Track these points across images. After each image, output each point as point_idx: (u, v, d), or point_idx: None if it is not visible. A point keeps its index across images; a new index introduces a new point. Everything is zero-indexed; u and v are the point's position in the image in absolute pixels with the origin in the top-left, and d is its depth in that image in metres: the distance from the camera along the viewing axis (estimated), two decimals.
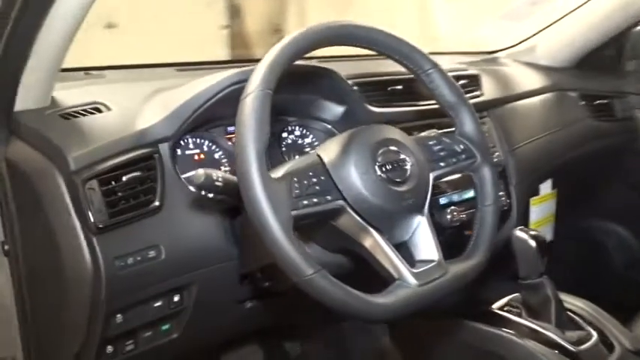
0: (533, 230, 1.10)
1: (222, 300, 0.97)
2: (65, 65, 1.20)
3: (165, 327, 0.93)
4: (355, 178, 0.77)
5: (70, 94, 0.98)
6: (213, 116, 0.99)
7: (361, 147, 0.80)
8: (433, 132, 0.99)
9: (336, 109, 1.10)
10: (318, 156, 0.80)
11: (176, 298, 0.91)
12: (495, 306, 1.17)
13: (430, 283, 0.78)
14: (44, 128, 0.84)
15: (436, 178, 0.87)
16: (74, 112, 0.91)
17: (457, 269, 0.83)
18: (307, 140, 1.13)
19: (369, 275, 0.80)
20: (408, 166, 0.82)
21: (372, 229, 0.78)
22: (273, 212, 0.69)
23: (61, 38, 0.83)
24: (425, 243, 0.83)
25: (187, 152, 1.00)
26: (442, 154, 0.89)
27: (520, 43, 1.87)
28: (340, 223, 0.79)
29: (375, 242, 0.78)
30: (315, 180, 0.76)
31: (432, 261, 0.81)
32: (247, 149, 0.70)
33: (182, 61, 1.36)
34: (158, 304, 0.89)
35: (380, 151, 0.80)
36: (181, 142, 0.99)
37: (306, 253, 0.71)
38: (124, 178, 0.83)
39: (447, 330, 1.16)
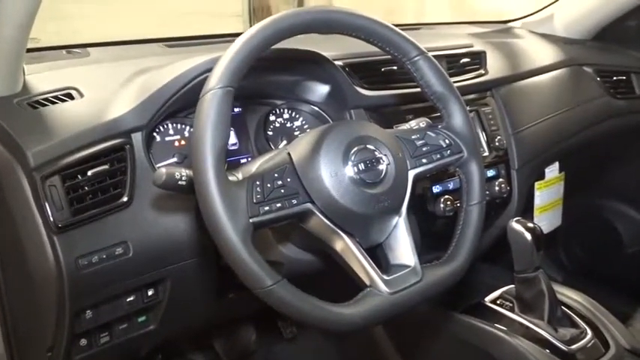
0: (529, 222, 1.05)
1: (200, 293, 0.95)
2: (47, 43, 1.18)
3: (141, 319, 0.91)
4: (325, 179, 0.73)
5: (44, 78, 0.95)
6: (193, 101, 0.95)
7: (333, 145, 0.74)
8: (423, 122, 0.92)
9: (321, 90, 1.05)
10: (289, 154, 0.75)
11: (150, 292, 0.88)
12: (488, 298, 1.13)
13: (403, 291, 0.74)
14: (7, 120, 0.81)
15: (418, 176, 0.82)
16: (43, 99, 0.88)
17: (433, 276, 0.78)
18: (297, 123, 1.09)
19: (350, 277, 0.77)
20: (384, 166, 0.76)
21: (342, 233, 0.74)
22: (230, 220, 0.65)
23: (20, 20, 0.78)
24: (401, 246, 0.78)
25: (167, 138, 0.97)
26: (425, 149, 0.83)
27: (538, 11, 1.77)
28: (310, 226, 0.75)
29: (345, 246, 0.74)
30: (280, 182, 0.71)
31: (407, 266, 0.77)
32: (203, 152, 0.66)
33: (171, 36, 1.31)
34: (130, 298, 0.87)
35: (353, 150, 0.75)
36: (160, 128, 0.96)
37: (264, 263, 0.67)
38: (90, 173, 0.80)
39: (438, 322, 1.13)
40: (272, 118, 1.06)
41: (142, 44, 1.26)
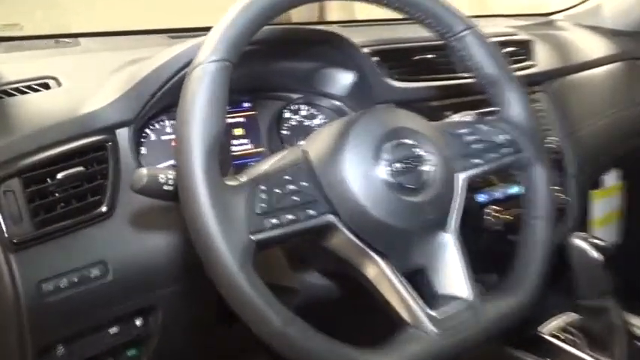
0: (596, 238, 0.88)
1: (200, 322, 0.80)
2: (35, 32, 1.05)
3: (131, 352, 0.76)
4: (351, 183, 0.56)
5: (19, 67, 0.81)
6: None
7: (361, 139, 0.58)
8: (469, 115, 0.76)
9: (344, 80, 0.90)
10: (304, 152, 0.59)
11: (138, 322, 0.73)
12: (545, 330, 0.96)
13: (456, 332, 0.57)
14: None
15: (469, 180, 0.65)
16: (12, 89, 0.74)
17: (495, 309, 0.61)
18: (316, 121, 0.94)
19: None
20: (428, 167, 0.60)
21: (374, 254, 0.57)
22: (224, 237, 0.49)
23: None
24: (451, 271, 0.61)
25: (164, 137, 0.83)
26: (478, 146, 0.66)
27: (582, 3, 1.61)
28: (332, 244, 0.58)
29: (379, 272, 0.57)
30: (292, 187, 0.55)
31: (459, 298, 0.60)
32: (188, 144, 0.50)
33: (175, 27, 1.17)
34: (114, 330, 0.71)
35: (387, 146, 0.58)
36: (155, 125, 0.82)
37: (270, 295, 0.51)
38: (60, 176, 0.65)
39: (486, 358, 0.95)
40: (287, 115, 0.92)
41: (143, 35, 1.12)
